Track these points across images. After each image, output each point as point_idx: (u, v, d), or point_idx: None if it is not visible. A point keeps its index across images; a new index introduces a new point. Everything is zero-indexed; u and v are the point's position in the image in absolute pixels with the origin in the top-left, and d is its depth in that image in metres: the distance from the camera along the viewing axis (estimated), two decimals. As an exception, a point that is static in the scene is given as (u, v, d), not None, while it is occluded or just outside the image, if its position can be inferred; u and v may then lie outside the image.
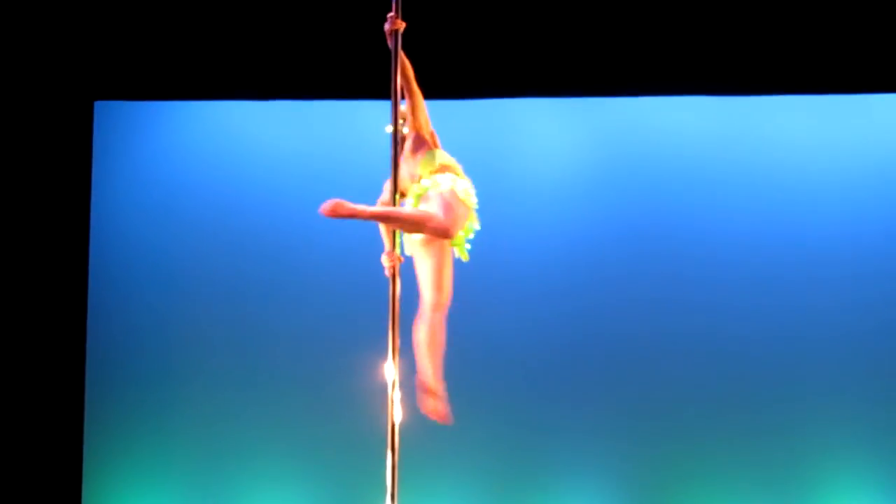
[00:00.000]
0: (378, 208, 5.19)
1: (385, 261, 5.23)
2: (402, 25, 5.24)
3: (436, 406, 5.32)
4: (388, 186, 5.28)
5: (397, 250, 5.23)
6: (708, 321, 8.36)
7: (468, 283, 8.34)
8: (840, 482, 8.22)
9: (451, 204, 5.16)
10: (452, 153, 8.70)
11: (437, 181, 5.24)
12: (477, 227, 5.36)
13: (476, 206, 5.35)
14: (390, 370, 5.23)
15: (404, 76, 5.25)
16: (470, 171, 8.38)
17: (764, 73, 8.36)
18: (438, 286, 5.31)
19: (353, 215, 5.00)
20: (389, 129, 5.25)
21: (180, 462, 8.42)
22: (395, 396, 5.20)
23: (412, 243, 5.29)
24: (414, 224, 5.13)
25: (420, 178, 5.29)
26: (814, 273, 8.37)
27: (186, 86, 8.53)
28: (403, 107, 5.32)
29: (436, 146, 5.42)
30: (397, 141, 5.26)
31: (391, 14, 5.25)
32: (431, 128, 5.42)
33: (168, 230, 8.56)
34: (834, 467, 8.23)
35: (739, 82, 8.38)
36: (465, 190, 5.27)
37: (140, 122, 8.67)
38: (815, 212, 8.44)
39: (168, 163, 8.65)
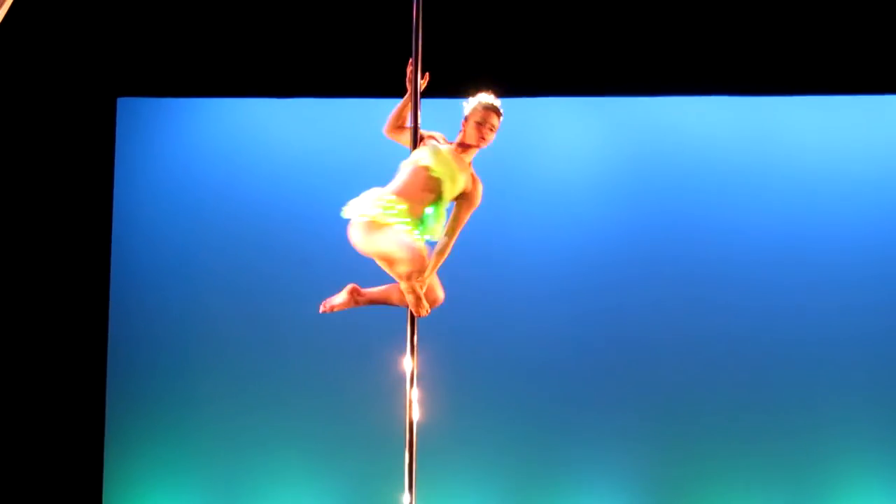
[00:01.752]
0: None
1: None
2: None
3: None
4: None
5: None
6: (725, 322, 8.35)
7: (485, 281, 8.39)
8: (857, 483, 8.20)
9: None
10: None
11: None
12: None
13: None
14: (408, 364, 5.24)
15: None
16: (488, 170, 8.41)
17: (783, 74, 8.33)
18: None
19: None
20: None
21: (199, 456, 8.45)
22: (413, 393, 5.21)
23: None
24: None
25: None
26: (832, 274, 8.35)
27: (208, 83, 8.56)
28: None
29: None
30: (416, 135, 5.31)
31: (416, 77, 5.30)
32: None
33: (189, 226, 8.59)
34: (851, 468, 8.21)
35: (758, 82, 8.36)
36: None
37: (162, 118, 8.71)
38: (833, 212, 8.42)
39: (189, 159, 8.69)
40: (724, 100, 8.49)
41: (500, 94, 8.61)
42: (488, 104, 5.32)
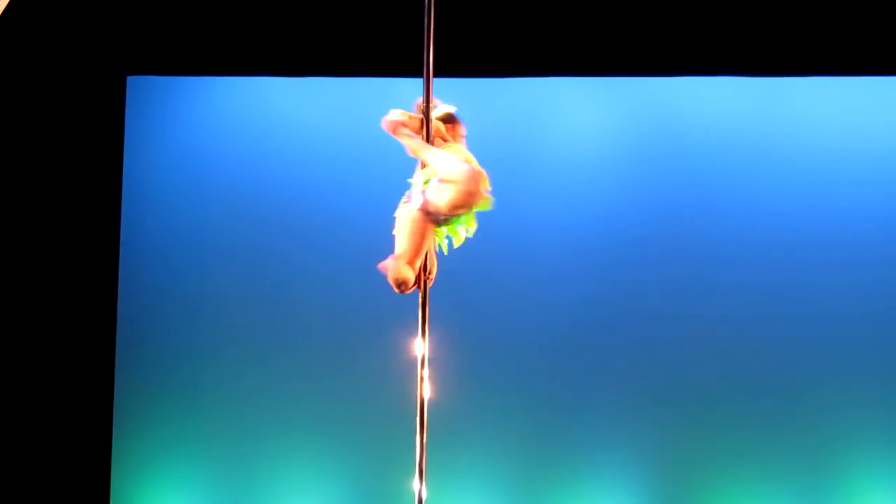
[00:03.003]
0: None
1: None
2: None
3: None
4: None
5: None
6: (737, 303, 8.34)
7: (496, 261, 8.39)
8: (868, 466, 8.20)
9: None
10: (485, 132, 8.67)
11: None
12: (473, 229, 5.30)
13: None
14: (419, 347, 5.24)
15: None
16: (501, 150, 8.35)
17: (798, 54, 8.30)
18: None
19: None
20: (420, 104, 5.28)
21: (208, 437, 8.46)
22: (424, 374, 5.21)
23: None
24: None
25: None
26: (846, 256, 8.34)
27: (219, 61, 8.55)
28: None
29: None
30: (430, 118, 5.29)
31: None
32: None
33: (199, 205, 8.59)
34: (862, 451, 8.21)
35: (771, 63, 8.33)
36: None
37: (172, 97, 8.70)
38: (847, 195, 8.40)
39: (200, 138, 8.68)
40: (738, 80, 8.46)
41: (512, 74, 8.59)
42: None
